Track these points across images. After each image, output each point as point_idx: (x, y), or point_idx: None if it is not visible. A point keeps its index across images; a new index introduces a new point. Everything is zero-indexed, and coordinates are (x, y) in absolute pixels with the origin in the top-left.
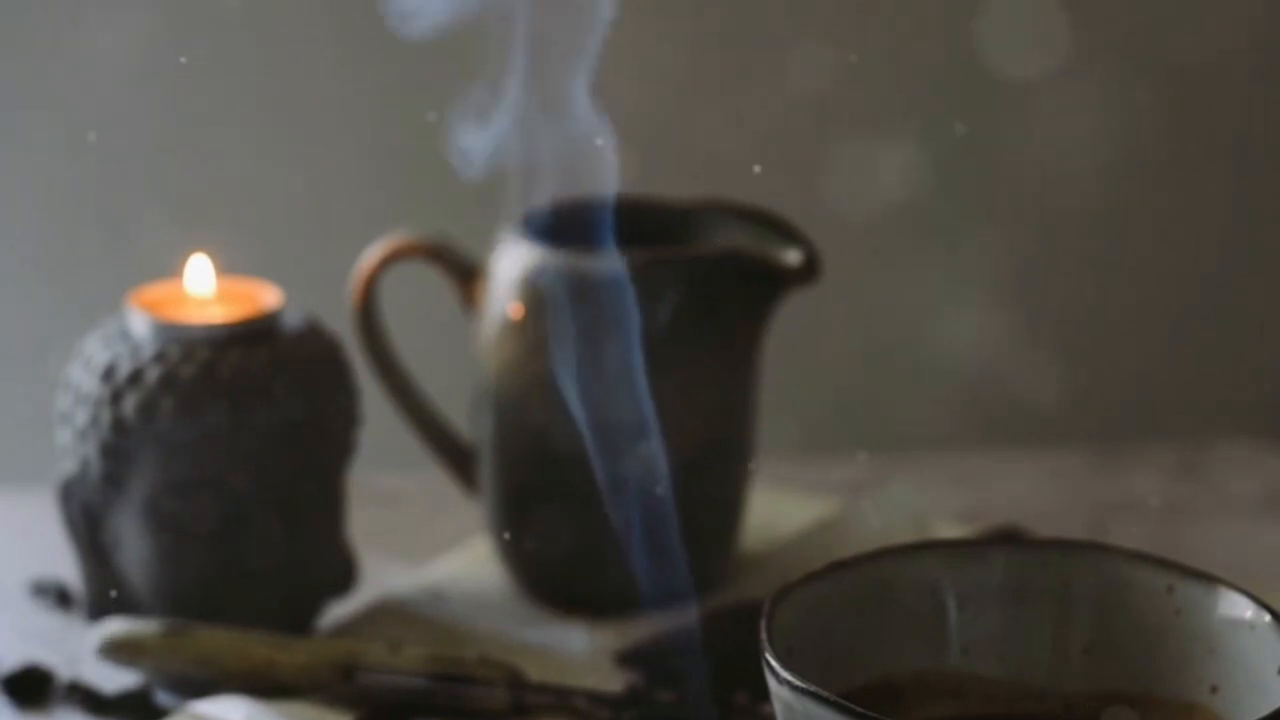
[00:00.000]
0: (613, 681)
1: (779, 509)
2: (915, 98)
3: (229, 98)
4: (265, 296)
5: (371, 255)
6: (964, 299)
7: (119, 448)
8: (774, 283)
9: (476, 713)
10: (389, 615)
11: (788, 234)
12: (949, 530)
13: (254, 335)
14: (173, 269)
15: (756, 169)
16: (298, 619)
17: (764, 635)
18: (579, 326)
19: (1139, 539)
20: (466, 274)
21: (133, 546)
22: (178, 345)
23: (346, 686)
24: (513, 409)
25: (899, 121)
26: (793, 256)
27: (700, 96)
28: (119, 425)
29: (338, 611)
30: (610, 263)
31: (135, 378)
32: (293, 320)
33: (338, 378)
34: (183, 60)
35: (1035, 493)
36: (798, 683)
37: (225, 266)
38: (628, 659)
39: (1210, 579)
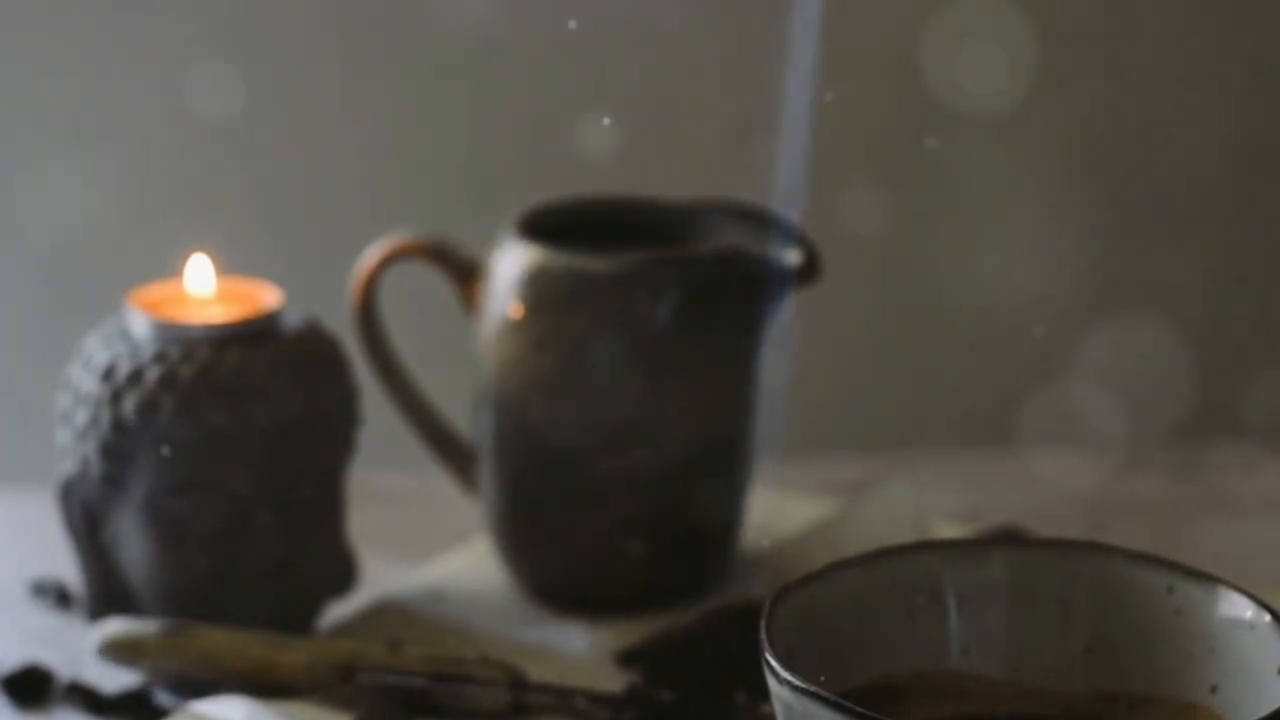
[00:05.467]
0: (613, 681)
1: (779, 509)
2: (916, 94)
3: (229, 98)
4: (265, 296)
5: (371, 255)
6: (964, 297)
7: (119, 448)
8: (774, 283)
9: (476, 713)
10: (389, 615)
11: (788, 234)
12: (949, 530)
13: (254, 335)
14: (173, 269)
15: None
16: (298, 619)
17: (764, 635)
18: (579, 326)
19: (1139, 539)
20: (466, 274)
21: (133, 546)
22: (178, 345)
23: (346, 686)
24: (513, 409)
25: (899, 118)
26: (793, 256)
27: (702, 95)
28: (119, 425)
29: (338, 611)
30: (610, 263)
31: (135, 378)
32: (293, 320)
33: (338, 378)
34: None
35: (1035, 493)
36: (798, 683)
37: (225, 266)
38: (628, 659)
39: (1210, 579)
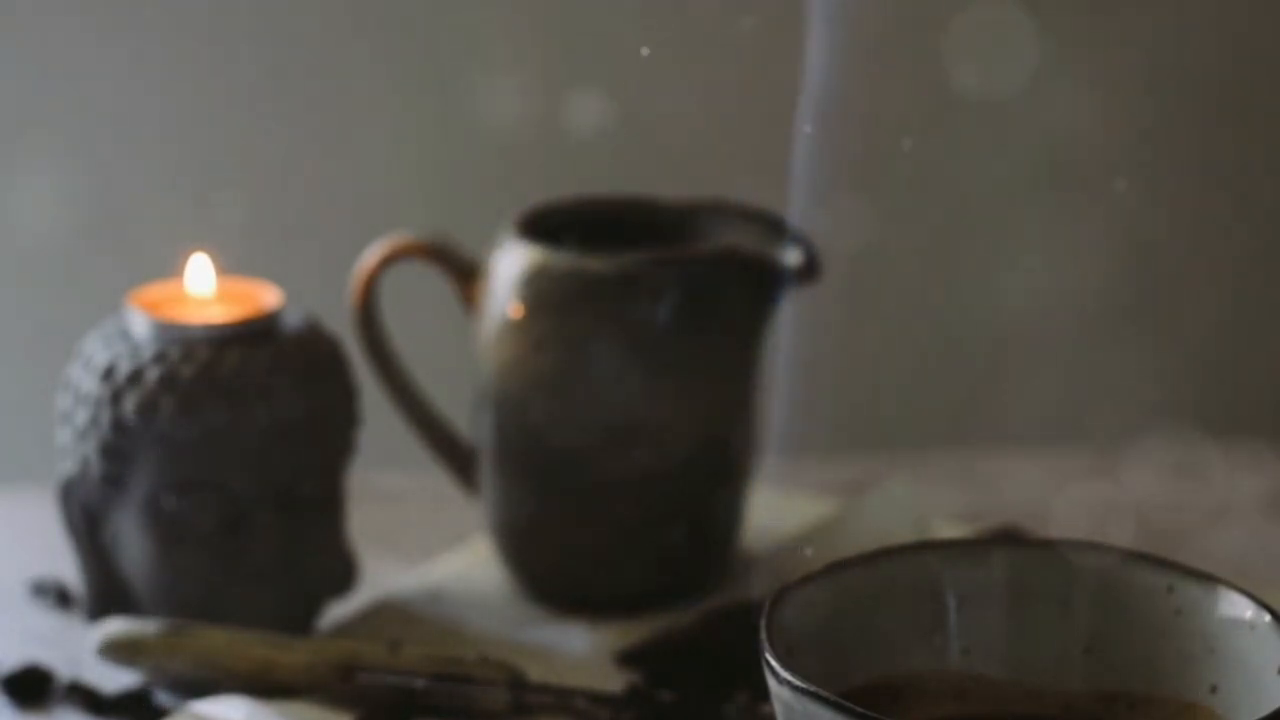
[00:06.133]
0: (613, 681)
1: (779, 509)
2: (917, 94)
3: (229, 98)
4: (265, 296)
5: (371, 255)
6: (964, 297)
7: (119, 448)
8: (774, 283)
9: (476, 713)
10: (389, 615)
11: (788, 234)
12: (949, 530)
13: (254, 335)
14: (173, 269)
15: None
16: (298, 619)
17: (764, 635)
18: (579, 326)
19: (1139, 539)
20: (466, 274)
21: (133, 546)
22: (178, 345)
23: (346, 686)
24: (513, 409)
25: (899, 118)
26: (793, 256)
27: (702, 96)
28: (119, 425)
29: (338, 611)
30: (610, 263)
31: (135, 378)
32: (293, 320)
33: (338, 378)
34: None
35: (1035, 493)
36: (798, 683)
37: (225, 266)
38: (628, 659)
39: (1210, 579)
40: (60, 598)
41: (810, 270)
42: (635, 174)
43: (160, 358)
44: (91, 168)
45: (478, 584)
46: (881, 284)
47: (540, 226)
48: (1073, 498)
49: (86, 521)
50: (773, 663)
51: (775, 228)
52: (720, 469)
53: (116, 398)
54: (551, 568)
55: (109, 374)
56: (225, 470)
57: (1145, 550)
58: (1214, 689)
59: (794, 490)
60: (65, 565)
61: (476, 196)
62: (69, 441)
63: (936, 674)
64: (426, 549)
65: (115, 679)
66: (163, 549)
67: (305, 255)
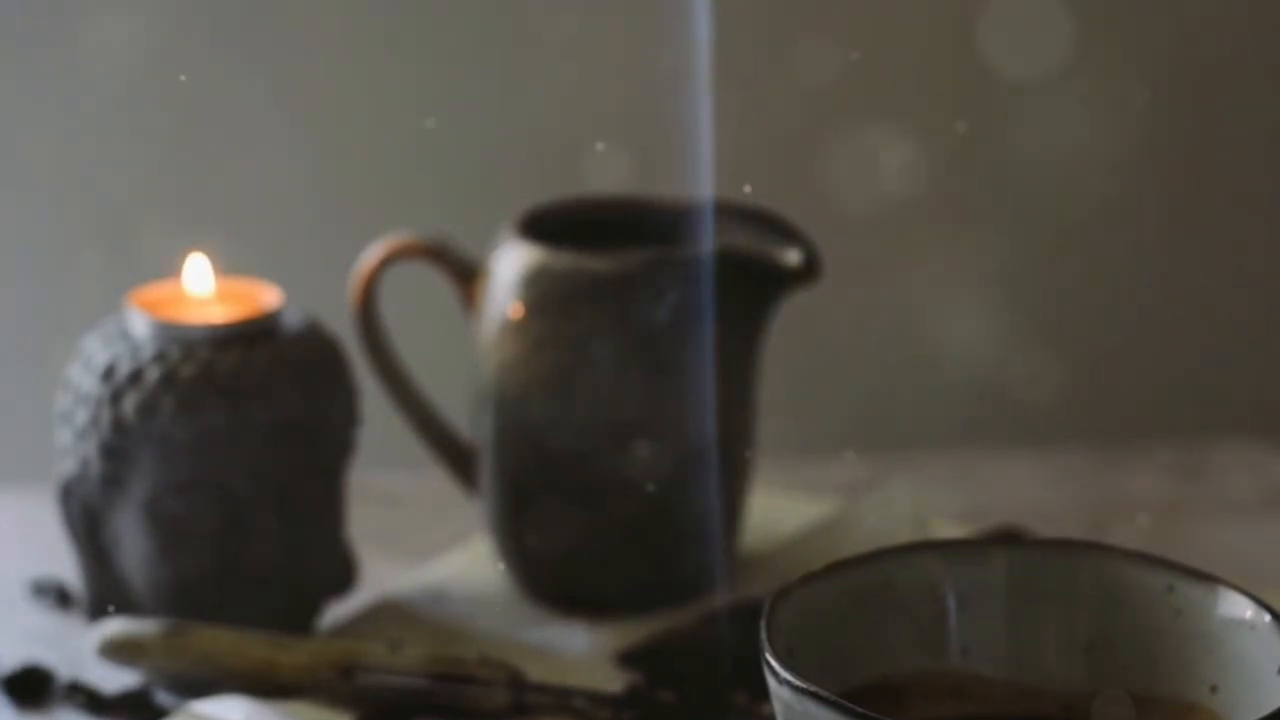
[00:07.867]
0: (613, 681)
1: (779, 509)
2: (916, 95)
3: (229, 97)
4: (265, 296)
5: (371, 255)
6: (964, 298)
7: (119, 448)
8: (774, 283)
9: (476, 713)
10: (389, 615)
11: (788, 234)
12: (949, 530)
13: (254, 335)
14: (173, 269)
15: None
16: (298, 619)
17: (764, 635)
18: (579, 326)
19: (1139, 539)
20: (466, 274)
21: (133, 546)
22: (178, 345)
23: (346, 686)
24: (513, 409)
25: (899, 119)
26: (793, 256)
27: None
28: (119, 425)
29: (338, 611)
30: (610, 263)
31: (135, 378)
32: (293, 320)
33: (338, 378)
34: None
35: (1035, 493)
36: (798, 683)
37: (225, 266)
38: (628, 659)
39: (1210, 579)
40: (60, 598)
41: (810, 270)
42: (635, 174)
43: (160, 358)
44: (91, 167)
45: (478, 584)
46: (882, 282)
47: (540, 226)
48: (1073, 498)
49: (86, 521)
50: (773, 663)
51: (775, 228)
52: (720, 469)
53: (116, 398)
54: (551, 568)
55: (109, 374)
56: (225, 470)
57: (1145, 550)
58: (1214, 689)
59: (794, 490)
60: (65, 565)
61: (476, 196)
62: (69, 441)
63: (936, 674)
64: (426, 549)
65: (115, 679)
66: (163, 549)
67: (305, 255)
